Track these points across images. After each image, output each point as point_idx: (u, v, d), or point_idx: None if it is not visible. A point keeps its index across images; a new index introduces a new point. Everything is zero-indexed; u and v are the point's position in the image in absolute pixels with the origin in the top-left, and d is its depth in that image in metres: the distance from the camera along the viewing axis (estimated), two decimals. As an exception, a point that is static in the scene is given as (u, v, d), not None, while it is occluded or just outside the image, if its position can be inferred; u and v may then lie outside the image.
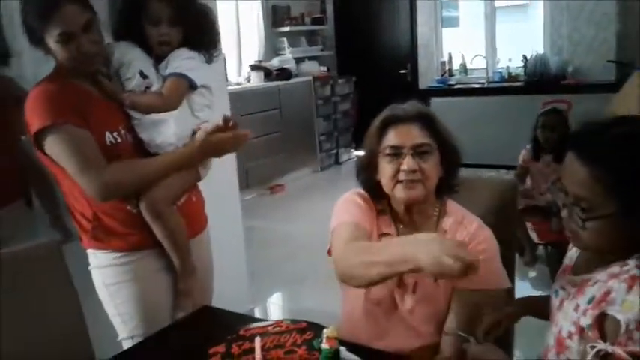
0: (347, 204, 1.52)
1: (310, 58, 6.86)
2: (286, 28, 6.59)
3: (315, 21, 7.00)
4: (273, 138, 5.89)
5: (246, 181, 5.37)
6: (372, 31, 7.09)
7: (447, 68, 6.69)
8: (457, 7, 7.28)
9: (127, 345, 1.61)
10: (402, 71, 6.88)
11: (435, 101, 6.03)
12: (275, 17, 6.58)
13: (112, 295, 1.63)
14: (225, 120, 1.70)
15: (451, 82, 6.51)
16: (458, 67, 6.66)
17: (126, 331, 1.65)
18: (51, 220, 2.27)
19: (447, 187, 1.51)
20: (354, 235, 1.37)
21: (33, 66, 2.32)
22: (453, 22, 7.29)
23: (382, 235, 1.50)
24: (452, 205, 1.52)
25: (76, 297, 1.53)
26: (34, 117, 1.52)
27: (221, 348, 1.11)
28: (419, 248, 1.11)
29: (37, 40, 1.54)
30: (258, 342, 1.09)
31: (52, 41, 1.51)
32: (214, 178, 1.88)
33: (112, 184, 1.55)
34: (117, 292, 1.64)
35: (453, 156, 1.49)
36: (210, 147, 1.68)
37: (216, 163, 1.85)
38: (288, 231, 4.65)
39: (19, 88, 2.16)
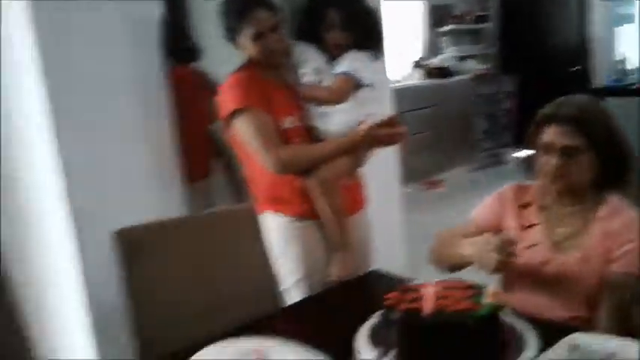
0: (483, 201, 1.73)
1: (471, 57, 6.82)
2: (448, 27, 6.62)
3: (478, 19, 6.94)
4: (431, 135, 5.97)
5: (405, 176, 5.51)
6: (539, 28, 6.83)
7: (623, 67, 6.25)
8: (633, 4, 6.73)
9: (287, 295, 1.87)
10: (573, 69, 6.56)
11: (611, 101, 5.68)
12: (436, 16, 6.64)
13: (282, 251, 1.90)
14: (390, 118, 1.94)
15: (629, 82, 6.07)
16: (636, 66, 6.19)
17: (288, 284, 1.91)
18: (232, 191, 2.67)
19: (608, 183, 1.55)
20: (461, 231, 1.67)
21: (215, 62, 2.74)
22: (629, 19, 6.76)
23: (527, 227, 1.61)
24: (614, 198, 1.56)
25: (266, 251, 1.80)
26: (227, 101, 1.84)
27: (394, 294, 1.25)
28: (472, 246, 1.49)
29: (232, 37, 1.87)
30: (428, 289, 1.22)
31: (245, 39, 1.83)
32: (377, 170, 2.09)
33: (287, 161, 1.83)
34: (286, 249, 1.91)
35: (615, 155, 1.53)
36: (371, 138, 1.91)
37: (379, 156, 2.08)
38: (446, 225, 4.68)
39: (211, 81, 2.57)
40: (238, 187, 2.66)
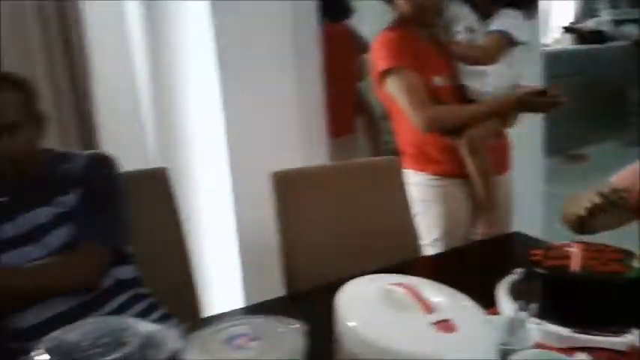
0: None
1: (630, 21, 6.26)
2: (607, -12, 6.13)
3: (643, -21, 6.33)
4: (579, 105, 5.61)
5: (547, 147, 5.28)
6: None
7: None
8: None
9: (426, 250, 1.93)
10: None
11: None
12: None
13: (423, 208, 1.96)
14: (547, 89, 1.91)
15: None
16: None
17: (428, 239, 1.97)
18: (372, 149, 2.75)
19: None
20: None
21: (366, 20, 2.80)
22: None
23: None
24: None
25: (407, 205, 1.87)
26: (379, 59, 1.90)
27: (539, 251, 1.27)
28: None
29: None
30: (574, 248, 1.23)
31: None
32: (519, 139, 2.06)
33: (434, 120, 1.86)
34: (427, 207, 1.97)
35: None
36: (523, 104, 1.90)
37: (523, 124, 2.05)
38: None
39: (361, 38, 2.64)
40: (379, 145, 2.75)
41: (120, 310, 1.36)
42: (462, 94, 1.95)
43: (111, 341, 0.93)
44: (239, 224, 2.12)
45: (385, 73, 1.88)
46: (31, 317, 1.29)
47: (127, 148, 1.51)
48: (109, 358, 0.88)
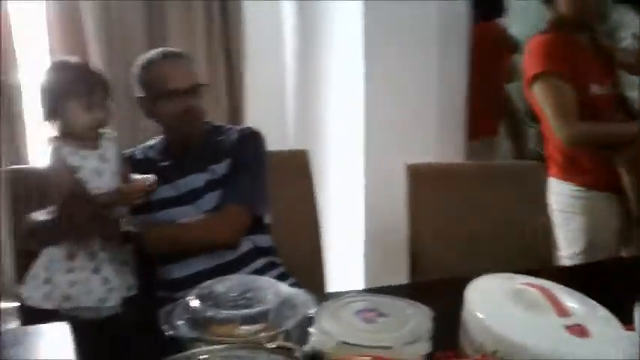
0: None
1: None
2: None
3: None
4: None
5: None
6: None
7: None
8: None
9: (564, 262, 1.87)
10: None
11: None
12: None
13: (563, 220, 1.88)
14: None
15: None
16: None
17: (567, 252, 1.90)
18: (515, 151, 2.67)
19: None
20: None
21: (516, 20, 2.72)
22: None
23: None
24: None
25: (548, 208, 1.80)
26: (531, 62, 1.85)
27: None
28: None
29: None
30: None
31: None
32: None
33: (577, 136, 1.79)
34: (568, 219, 1.89)
35: None
36: None
37: None
38: None
39: (512, 38, 2.57)
40: (522, 150, 2.66)
41: (256, 274, 1.47)
42: (621, 105, 1.84)
43: (253, 296, 1.02)
44: (367, 210, 2.18)
45: (534, 78, 1.83)
46: (177, 271, 1.45)
47: (269, 129, 1.61)
48: (252, 310, 0.98)
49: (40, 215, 1.34)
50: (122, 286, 1.35)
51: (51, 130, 1.32)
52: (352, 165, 2.23)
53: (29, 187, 1.51)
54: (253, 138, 1.56)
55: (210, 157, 1.51)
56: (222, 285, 1.06)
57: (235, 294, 1.03)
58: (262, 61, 2.75)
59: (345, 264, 2.25)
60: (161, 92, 1.44)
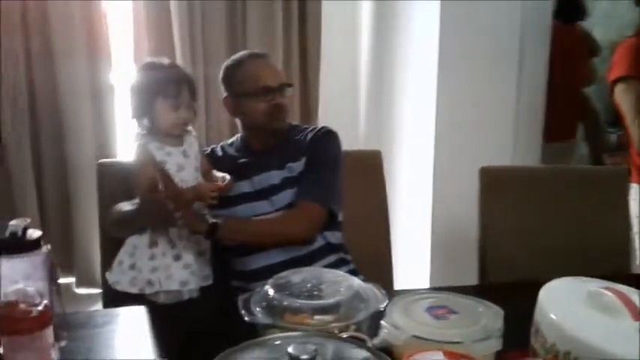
0: None
1: None
2: None
3: None
4: None
5: None
6: None
7: None
8: None
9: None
10: None
11: None
12: None
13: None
14: None
15: None
16: None
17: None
18: (593, 158, 2.60)
19: None
20: None
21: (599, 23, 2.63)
22: None
23: None
24: None
25: (628, 214, 1.76)
26: (615, 66, 1.82)
27: None
28: None
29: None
30: None
31: None
32: None
33: None
34: None
35: None
36: None
37: None
38: None
39: (594, 41, 2.50)
40: (601, 155, 2.58)
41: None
42: None
43: (327, 288, 1.07)
44: (435, 212, 2.19)
45: (616, 81, 1.81)
46: (252, 263, 1.51)
47: (342, 129, 1.65)
48: (325, 301, 1.02)
49: (126, 206, 1.44)
50: (201, 273, 1.42)
51: (139, 126, 1.41)
52: (422, 166, 2.24)
53: (117, 180, 1.62)
54: (329, 137, 1.61)
55: (288, 155, 1.57)
56: (298, 276, 1.11)
57: (310, 285, 1.07)
58: (337, 61, 2.80)
59: (411, 264, 2.26)
60: (252, 90, 1.52)
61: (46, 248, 1.00)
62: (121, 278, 1.39)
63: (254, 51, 1.62)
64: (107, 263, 1.50)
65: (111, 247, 1.50)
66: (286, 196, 1.53)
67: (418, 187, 2.28)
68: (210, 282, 1.45)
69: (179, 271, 1.38)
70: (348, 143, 1.73)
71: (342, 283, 1.09)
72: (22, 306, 0.87)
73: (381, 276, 1.70)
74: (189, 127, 1.46)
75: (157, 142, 1.39)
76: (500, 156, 2.06)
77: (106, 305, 1.57)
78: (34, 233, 0.99)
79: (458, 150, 2.13)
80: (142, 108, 1.39)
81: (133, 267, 1.38)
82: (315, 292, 1.06)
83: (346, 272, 1.50)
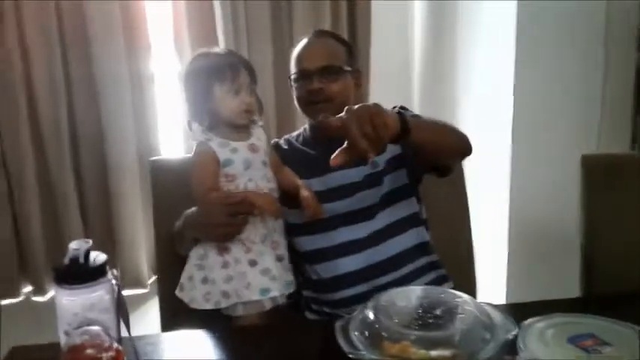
0: None
1: None
2: None
3: None
4: None
5: None
6: None
7: None
8: None
9: None
10: None
11: None
12: None
13: None
14: None
15: None
16: None
17: None
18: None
19: None
20: None
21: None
22: None
23: None
24: None
25: None
26: None
27: None
28: None
29: None
30: None
31: None
32: None
33: None
34: None
35: None
36: None
37: None
38: None
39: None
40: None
41: (415, 275, 1.33)
42: None
43: (440, 314, 0.88)
44: (512, 211, 2.00)
45: None
46: (326, 271, 1.32)
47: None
48: (439, 332, 0.84)
49: (188, 213, 1.27)
50: (282, 279, 1.22)
51: (199, 127, 1.23)
52: (496, 168, 2.06)
53: (171, 179, 1.47)
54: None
55: None
56: (404, 297, 0.94)
57: (419, 309, 0.90)
58: (388, 61, 2.66)
59: (487, 268, 2.08)
60: (292, 74, 1.38)
61: (112, 274, 0.84)
62: (194, 294, 1.20)
63: (320, 29, 1.44)
64: (163, 267, 1.41)
65: (165, 249, 1.38)
66: (368, 195, 1.33)
67: (493, 188, 2.10)
68: (292, 289, 1.25)
69: (257, 278, 1.18)
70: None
71: (458, 306, 0.90)
72: (89, 351, 0.71)
73: (462, 280, 1.52)
74: (255, 117, 1.27)
75: (220, 137, 1.21)
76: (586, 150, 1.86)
77: (165, 321, 1.42)
78: (99, 257, 0.83)
79: (536, 149, 1.96)
80: (198, 103, 1.22)
81: (205, 280, 1.20)
82: (427, 319, 0.87)
83: (436, 278, 1.36)
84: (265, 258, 1.19)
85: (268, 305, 1.19)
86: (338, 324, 0.90)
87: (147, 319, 1.72)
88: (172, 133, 2.51)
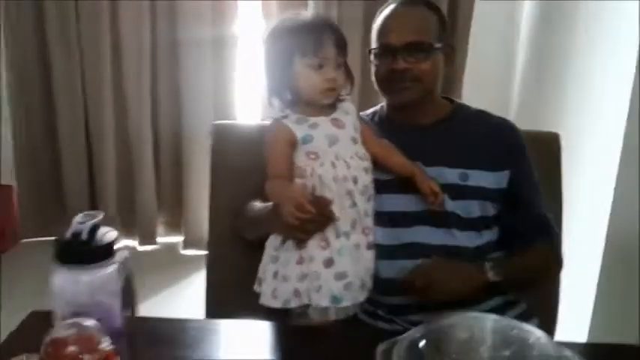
0: None
1: None
2: None
3: None
4: None
5: None
6: None
7: None
8: None
9: None
10: None
11: None
12: None
13: None
14: None
15: None
16: None
17: None
18: None
19: None
20: None
21: None
22: None
23: None
24: None
25: None
26: None
27: None
28: None
29: None
30: None
31: None
32: None
33: None
34: None
35: None
36: None
37: None
38: None
39: None
40: None
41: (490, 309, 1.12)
42: None
43: (510, 351, 0.70)
44: (612, 221, 1.72)
45: None
46: (386, 269, 1.13)
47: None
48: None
49: (259, 205, 1.12)
50: (358, 285, 1.03)
51: (280, 105, 1.07)
52: (602, 167, 1.79)
53: (232, 146, 1.33)
54: (521, 138, 1.18)
55: (458, 150, 1.13)
56: (466, 327, 0.75)
57: (483, 346, 0.71)
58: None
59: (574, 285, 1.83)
60: (373, 48, 1.15)
61: (123, 254, 0.71)
62: (264, 289, 1.04)
63: None
64: (214, 242, 1.29)
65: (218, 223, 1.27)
66: (466, 206, 1.10)
67: (592, 203, 1.84)
68: (366, 295, 1.05)
69: (330, 282, 0.99)
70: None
71: (530, 347, 0.71)
72: (71, 349, 0.59)
73: (542, 302, 1.29)
74: (342, 94, 1.07)
75: (298, 112, 1.03)
76: None
77: (210, 305, 1.30)
78: (107, 235, 0.70)
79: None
80: (277, 76, 1.04)
81: (276, 275, 1.03)
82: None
83: (517, 315, 1.14)
84: (343, 258, 1.01)
85: (334, 315, 1.01)
86: (380, 349, 0.73)
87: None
88: (252, 100, 2.44)
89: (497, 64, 2.54)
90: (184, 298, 2.11)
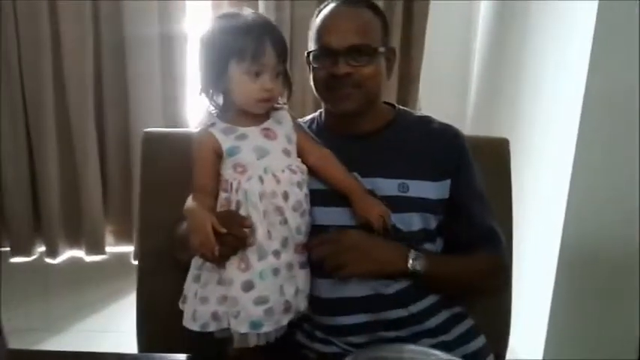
0: None
1: None
2: None
3: None
4: None
5: None
6: None
7: None
8: None
9: None
10: None
11: None
12: None
13: None
14: None
15: None
16: None
17: None
18: None
19: None
20: None
21: None
22: None
23: None
24: None
25: None
26: None
27: None
28: None
29: None
30: None
31: None
32: None
33: None
34: None
35: None
36: None
37: None
38: None
39: None
40: None
41: (426, 314, 1.05)
42: None
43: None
44: (567, 225, 1.70)
45: None
46: (330, 290, 1.04)
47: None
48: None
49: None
50: (281, 309, 0.94)
51: (211, 106, 0.96)
52: (555, 170, 1.77)
53: (164, 157, 1.24)
54: (466, 147, 1.10)
55: (398, 158, 1.06)
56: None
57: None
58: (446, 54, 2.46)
59: (529, 295, 1.80)
60: (312, 50, 1.07)
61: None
62: (186, 309, 0.95)
63: None
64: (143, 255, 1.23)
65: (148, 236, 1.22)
66: (398, 218, 1.02)
67: (545, 195, 1.81)
68: (291, 317, 0.96)
69: (249, 308, 0.90)
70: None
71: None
72: None
73: (492, 318, 1.23)
74: (278, 104, 0.99)
75: (226, 122, 0.95)
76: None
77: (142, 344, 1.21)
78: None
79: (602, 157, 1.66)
80: (211, 78, 0.94)
81: (196, 295, 0.94)
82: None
83: (463, 332, 1.08)
84: (265, 282, 0.91)
85: (254, 342, 0.93)
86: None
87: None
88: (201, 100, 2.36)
89: (454, 66, 2.50)
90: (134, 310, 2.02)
